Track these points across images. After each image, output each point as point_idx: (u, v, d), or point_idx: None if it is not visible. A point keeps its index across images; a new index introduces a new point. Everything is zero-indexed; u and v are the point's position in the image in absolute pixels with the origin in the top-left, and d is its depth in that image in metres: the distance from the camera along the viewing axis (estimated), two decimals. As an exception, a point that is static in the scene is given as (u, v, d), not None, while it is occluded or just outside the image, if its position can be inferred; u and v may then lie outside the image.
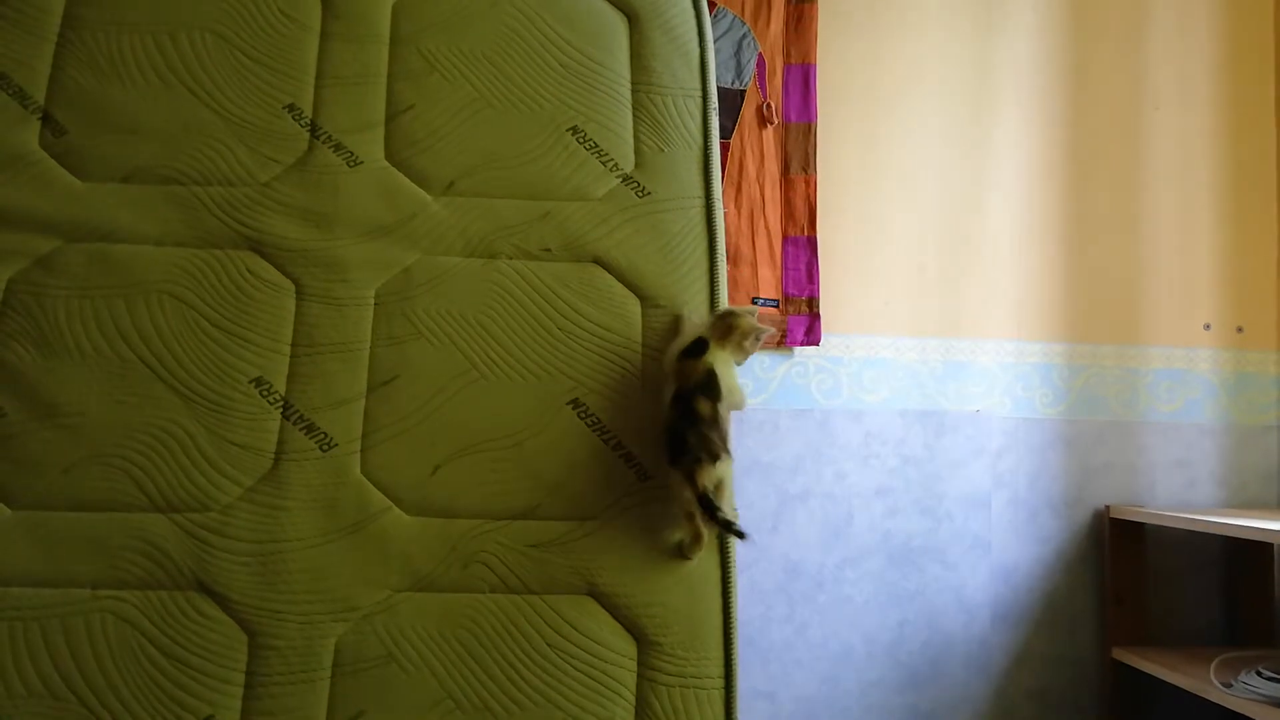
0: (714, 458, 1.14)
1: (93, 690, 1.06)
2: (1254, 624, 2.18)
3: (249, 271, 1.25)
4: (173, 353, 1.21)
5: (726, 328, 1.21)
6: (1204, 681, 1.84)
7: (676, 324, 1.29)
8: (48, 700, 1.05)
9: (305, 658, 1.10)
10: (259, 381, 1.21)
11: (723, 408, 1.18)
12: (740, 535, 1.15)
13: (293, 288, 1.25)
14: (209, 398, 1.19)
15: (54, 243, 1.24)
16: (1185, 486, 2.26)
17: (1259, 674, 1.78)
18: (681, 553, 1.20)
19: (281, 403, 1.20)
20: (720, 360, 1.20)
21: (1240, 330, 2.30)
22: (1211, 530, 1.92)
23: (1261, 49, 2.34)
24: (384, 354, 1.24)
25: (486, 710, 1.10)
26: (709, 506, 1.13)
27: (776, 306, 2.18)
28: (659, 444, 1.19)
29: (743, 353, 1.23)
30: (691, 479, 1.13)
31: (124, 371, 1.19)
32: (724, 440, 1.17)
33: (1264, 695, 1.71)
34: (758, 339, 1.23)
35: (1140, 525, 2.18)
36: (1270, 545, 2.18)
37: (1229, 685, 1.79)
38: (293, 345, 1.23)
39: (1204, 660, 1.94)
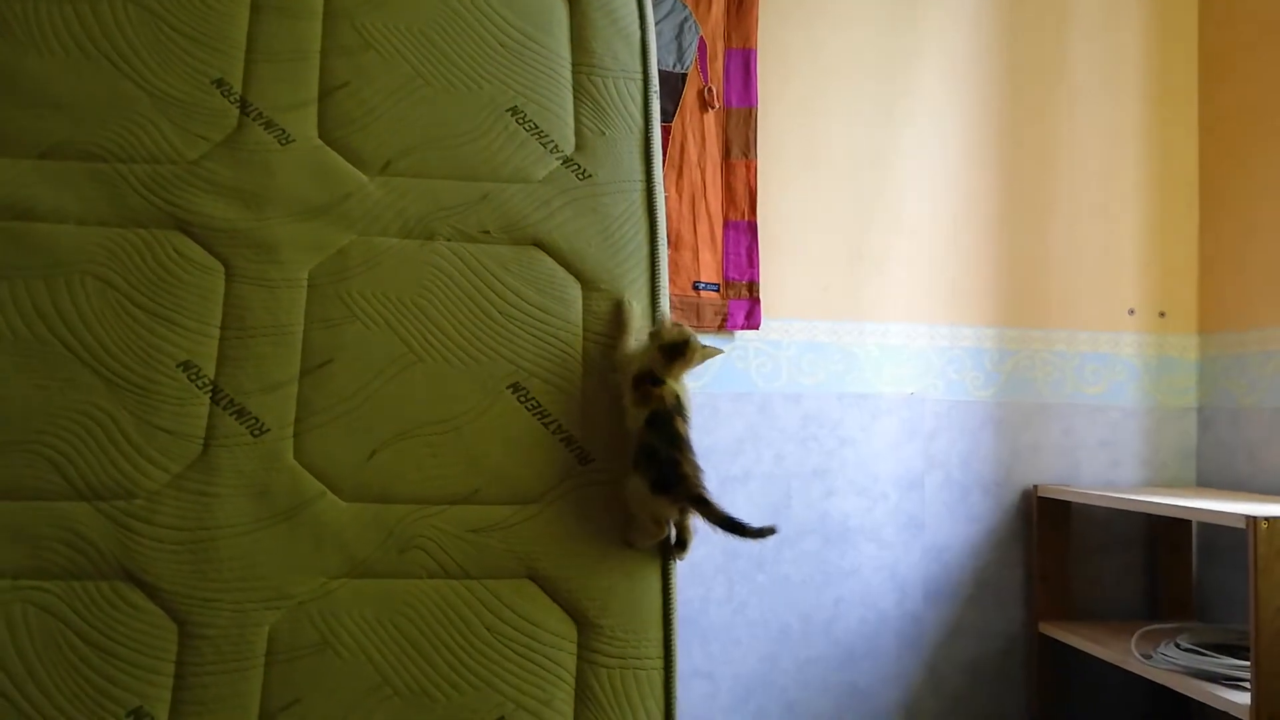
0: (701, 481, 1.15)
1: (13, 681, 1.03)
2: (1174, 599, 2.27)
3: (176, 252, 1.21)
4: (95, 335, 1.16)
5: (678, 354, 1.19)
6: (1125, 654, 1.91)
7: (619, 310, 1.28)
8: (-35, 694, 1.02)
9: (238, 646, 1.08)
10: (186, 365, 1.17)
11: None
12: (769, 532, 1.16)
13: (222, 269, 1.22)
14: (134, 382, 1.15)
15: (-32, 221, 1.19)
16: (1109, 466, 2.34)
17: (1177, 646, 1.85)
18: (632, 544, 1.20)
19: (210, 387, 1.17)
20: (679, 383, 1.20)
21: (1162, 315, 2.38)
22: (1134, 509, 1.99)
23: (1186, 37, 2.41)
24: (318, 337, 1.21)
25: (425, 695, 1.10)
26: (737, 527, 1.13)
27: (717, 291, 2.19)
28: (632, 459, 1.17)
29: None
30: (702, 505, 1.13)
31: (44, 354, 1.15)
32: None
33: (1181, 666, 1.78)
34: (706, 358, 1.23)
35: (1067, 504, 2.25)
36: (1189, 523, 2.27)
37: (1149, 657, 1.86)
38: (222, 328, 1.19)
39: (1126, 633, 2.01)
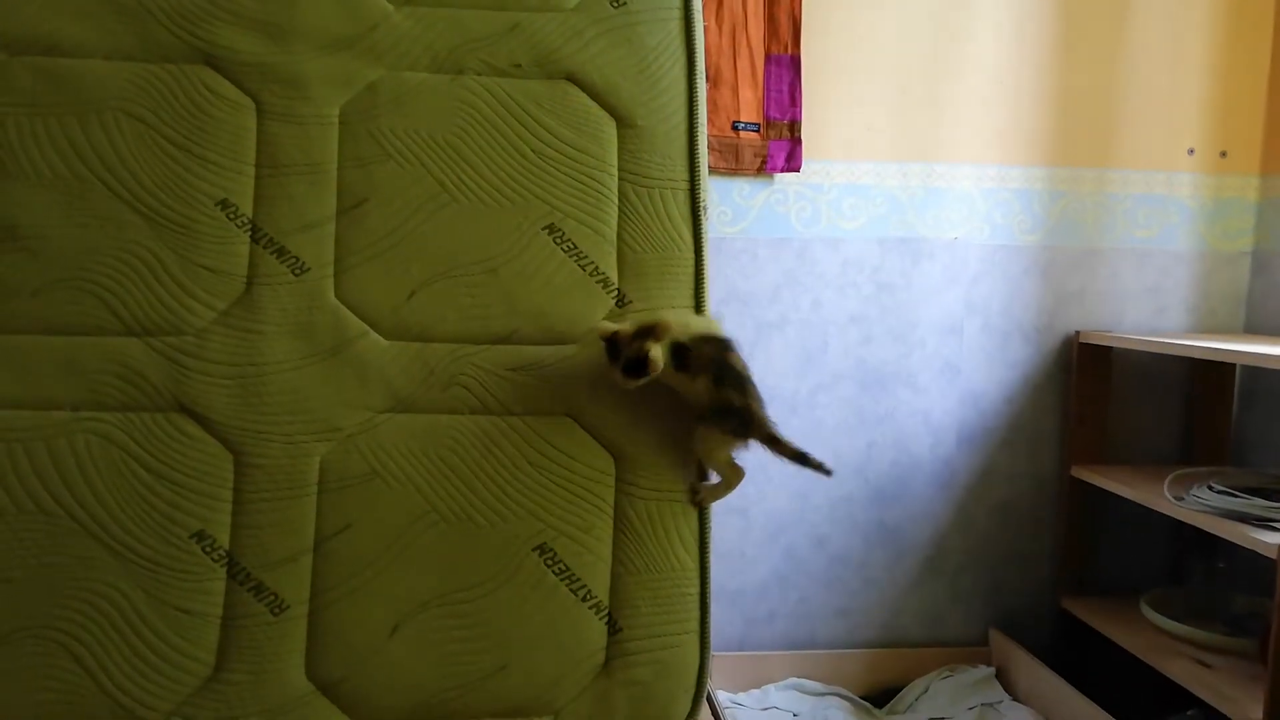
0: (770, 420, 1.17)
1: (83, 506, 1.09)
2: (1210, 445, 2.27)
3: (206, 88, 1.19)
4: (132, 173, 1.16)
5: (640, 371, 1.12)
6: (1157, 495, 1.93)
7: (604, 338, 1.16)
8: (39, 516, 1.08)
9: (290, 475, 1.12)
10: (224, 204, 1.17)
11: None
12: (823, 469, 1.23)
13: (252, 105, 1.20)
14: (174, 220, 1.16)
15: (-4, 56, 1.17)
16: (1155, 313, 2.30)
17: (1210, 488, 1.86)
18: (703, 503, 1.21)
19: (249, 225, 1.17)
20: (685, 332, 1.14)
21: (1224, 155, 2.28)
22: (1175, 353, 1.96)
23: None
24: (352, 176, 1.20)
25: (470, 522, 1.14)
26: (804, 460, 1.20)
27: (757, 131, 2.13)
28: (699, 415, 1.17)
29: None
30: (774, 443, 1.17)
31: (83, 192, 1.15)
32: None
33: (1212, 507, 1.80)
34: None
35: (1108, 349, 2.23)
36: (1232, 366, 2.24)
37: (1180, 499, 1.88)
38: (256, 166, 1.19)
39: (1158, 477, 2.03)
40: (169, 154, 1.17)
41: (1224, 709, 1.70)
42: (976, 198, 2.23)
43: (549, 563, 1.15)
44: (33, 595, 1.07)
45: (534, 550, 1.15)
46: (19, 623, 1.06)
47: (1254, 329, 2.29)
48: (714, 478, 1.22)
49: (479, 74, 1.25)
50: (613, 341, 1.13)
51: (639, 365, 1.11)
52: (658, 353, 1.11)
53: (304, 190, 1.19)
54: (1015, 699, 2.11)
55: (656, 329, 1.12)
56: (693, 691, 1.17)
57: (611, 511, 1.17)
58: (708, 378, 1.14)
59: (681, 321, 1.15)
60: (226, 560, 1.10)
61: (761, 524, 2.22)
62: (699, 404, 1.16)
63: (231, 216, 1.17)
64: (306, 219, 1.19)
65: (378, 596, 1.11)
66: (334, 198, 1.20)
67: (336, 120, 1.21)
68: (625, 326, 1.13)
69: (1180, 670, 1.83)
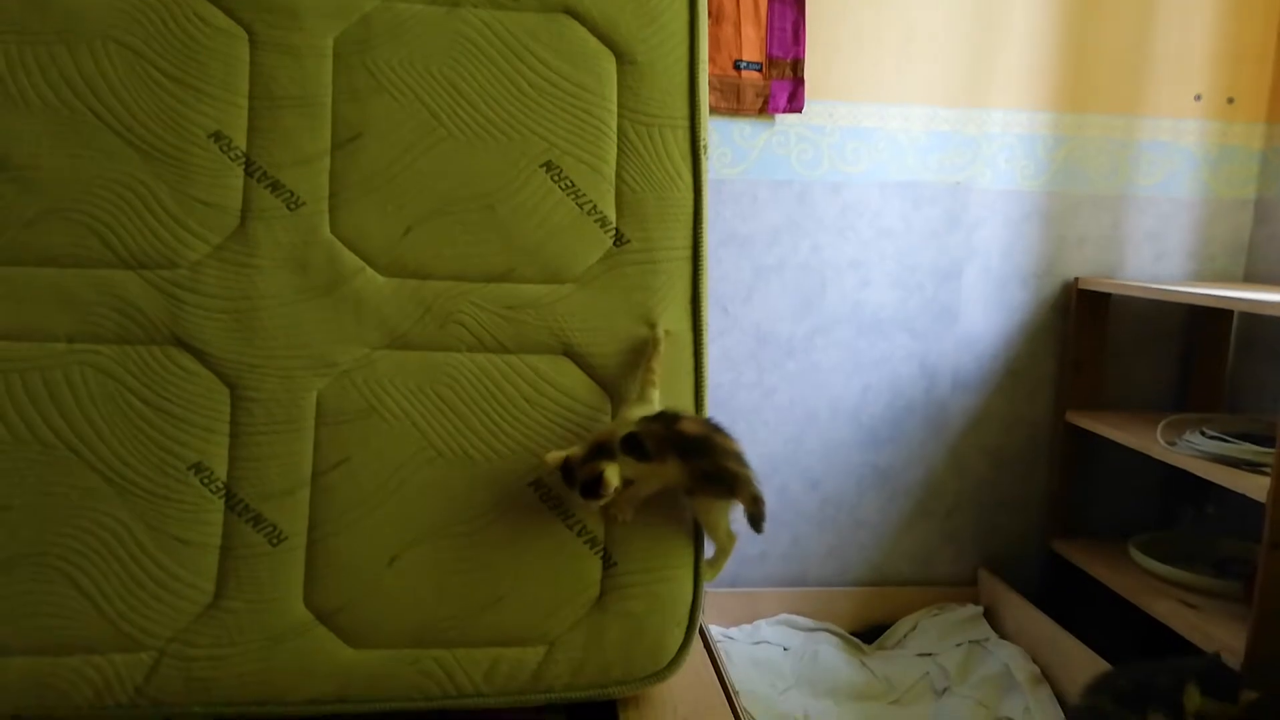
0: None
1: (80, 438, 1.09)
2: (1207, 391, 2.28)
3: (197, 16, 1.17)
4: (123, 103, 1.15)
5: (593, 493, 1.08)
6: (1149, 440, 1.94)
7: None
8: (35, 447, 1.09)
9: (288, 409, 1.13)
10: (217, 136, 1.16)
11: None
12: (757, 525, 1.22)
13: (245, 35, 1.18)
14: (166, 152, 1.15)
15: (-18, -19, 1.15)
16: (1155, 260, 2.29)
17: (1202, 433, 1.88)
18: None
19: (243, 158, 1.16)
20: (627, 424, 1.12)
21: (1230, 101, 2.25)
22: (1174, 299, 1.96)
23: None
24: (346, 109, 1.19)
25: (466, 457, 1.15)
26: (758, 520, 1.20)
27: (759, 70, 2.09)
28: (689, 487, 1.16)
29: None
30: (756, 503, 1.19)
31: (75, 123, 1.14)
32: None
33: (1203, 451, 1.81)
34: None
35: (1106, 296, 2.22)
36: (1229, 314, 2.24)
37: (1173, 444, 1.89)
38: (250, 98, 1.17)
39: (1152, 423, 2.04)
40: (160, 84, 1.16)
41: (1206, 647, 1.74)
42: (980, 142, 2.20)
43: (544, 498, 1.16)
44: (32, 523, 1.08)
45: (530, 486, 1.16)
46: (18, 550, 1.07)
47: (1254, 278, 2.28)
48: (709, 549, 1.22)
49: (475, 6, 1.23)
50: (567, 467, 1.10)
51: (594, 486, 1.08)
52: (613, 472, 1.08)
53: (298, 123, 1.18)
54: (1002, 637, 2.15)
55: (609, 443, 1.09)
56: (685, 624, 1.19)
57: None
58: (675, 457, 1.12)
59: (622, 418, 1.14)
60: (225, 492, 1.11)
61: (755, 465, 2.23)
62: (681, 483, 1.15)
63: (224, 149, 1.16)
64: (301, 152, 1.17)
65: (375, 529, 1.13)
66: (329, 131, 1.19)
67: (331, 51, 1.19)
68: (576, 450, 1.10)
69: (1165, 610, 1.87)
